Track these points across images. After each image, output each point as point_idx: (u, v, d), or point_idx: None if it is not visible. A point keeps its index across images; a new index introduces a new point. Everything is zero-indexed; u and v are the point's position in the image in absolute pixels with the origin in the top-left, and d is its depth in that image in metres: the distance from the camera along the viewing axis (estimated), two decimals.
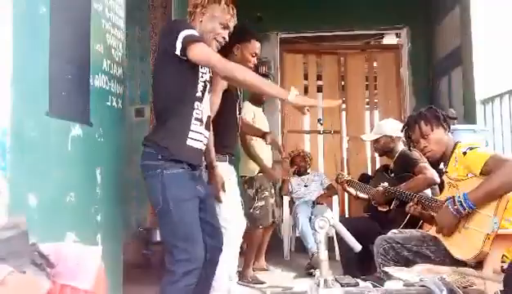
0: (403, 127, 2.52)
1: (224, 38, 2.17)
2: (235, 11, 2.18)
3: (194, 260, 1.93)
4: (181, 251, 1.93)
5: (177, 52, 1.93)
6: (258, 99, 3.95)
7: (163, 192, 1.95)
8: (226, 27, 2.15)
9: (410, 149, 2.63)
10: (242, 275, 3.76)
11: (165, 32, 2.12)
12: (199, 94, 2.07)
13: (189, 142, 2.03)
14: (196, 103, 2.05)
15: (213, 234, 2.15)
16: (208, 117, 2.16)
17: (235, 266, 2.91)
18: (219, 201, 2.49)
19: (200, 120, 2.07)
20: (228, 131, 2.75)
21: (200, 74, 2.08)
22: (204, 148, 2.14)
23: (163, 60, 2.04)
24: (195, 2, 2.14)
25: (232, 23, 2.18)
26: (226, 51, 2.92)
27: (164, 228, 2.02)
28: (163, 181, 1.95)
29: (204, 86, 2.10)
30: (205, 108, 2.12)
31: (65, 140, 1.95)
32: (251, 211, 3.66)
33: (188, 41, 1.92)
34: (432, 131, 2.32)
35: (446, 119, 2.36)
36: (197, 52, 1.92)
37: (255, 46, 2.76)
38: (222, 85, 2.68)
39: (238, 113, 2.89)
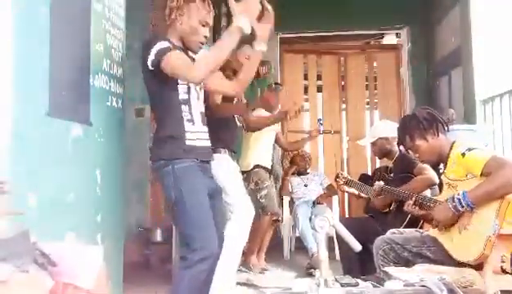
0: (398, 144, 2.56)
1: (206, 37, 2.17)
2: (211, 5, 2.15)
3: (208, 247, 2.00)
4: (196, 240, 2.00)
5: (151, 68, 1.99)
6: (267, 106, 3.99)
7: (176, 184, 2.01)
8: (206, 24, 2.14)
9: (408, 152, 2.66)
10: (244, 262, 3.76)
11: (142, 50, 2.08)
12: (183, 97, 2.08)
13: (188, 142, 2.08)
14: (183, 106, 2.08)
15: None
16: (201, 113, 2.17)
17: (238, 260, 2.97)
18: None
19: (191, 120, 2.09)
20: (223, 126, 2.79)
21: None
22: (207, 144, 2.18)
23: (144, 76, 2.09)
24: (170, 5, 2.11)
25: (211, 19, 2.16)
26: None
27: (180, 220, 2.08)
28: (175, 174, 2.02)
29: (189, 88, 2.10)
30: (195, 106, 2.13)
31: (65, 140, 1.95)
32: (257, 200, 3.66)
33: (160, 54, 1.96)
34: (419, 143, 2.33)
35: (432, 124, 2.33)
36: (170, 65, 1.96)
37: (249, 49, 2.56)
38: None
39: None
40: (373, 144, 3.32)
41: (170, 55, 1.96)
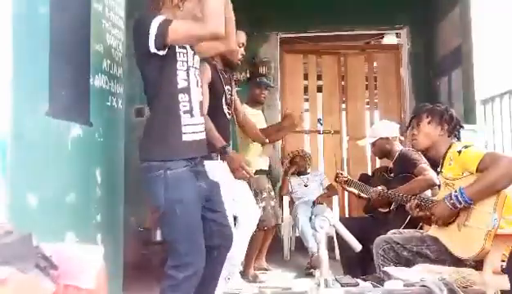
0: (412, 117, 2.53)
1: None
2: None
3: (195, 264, 1.91)
4: (183, 255, 1.91)
5: (152, 49, 1.88)
6: (256, 100, 3.96)
7: (167, 192, 1.89)
8: None
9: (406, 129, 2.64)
10: (243, 274, 3.76)
11: (134, 31, 1.98)
12: (182, 85, 1.97)
13: (185, 137, 1.96)
14: (181, 95, 1.96)
15: (220, 234, 2.10)
16: (200, 102, 2.07)
17: (243, 256, 2.93)
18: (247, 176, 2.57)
19: (190, 112, 1.98)
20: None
21: (180, 63, 1.97)
22: (203, 137, 2.07)
23: (139, 59, 1.99)
24: None
25: None
26: None
27: (167, 230, 1.98)
28: (166, 182, 1.90)
29: (188, 74, 1.99)
30: (194, 96, 2.02)
31: (65, 140, 1.95)
32: None
33: (163, 28, 1.85)
34: (428, 124, 2.35)
35: (450, 123, 2.33)
36: (176, 34, 1.87)
37: (240, 36, 2.86)
38: (207, 77, 2.65)
39: (228, 108, 2.82)
40: (373, 144, 3.34)
41: (174, 25, 1.86)
